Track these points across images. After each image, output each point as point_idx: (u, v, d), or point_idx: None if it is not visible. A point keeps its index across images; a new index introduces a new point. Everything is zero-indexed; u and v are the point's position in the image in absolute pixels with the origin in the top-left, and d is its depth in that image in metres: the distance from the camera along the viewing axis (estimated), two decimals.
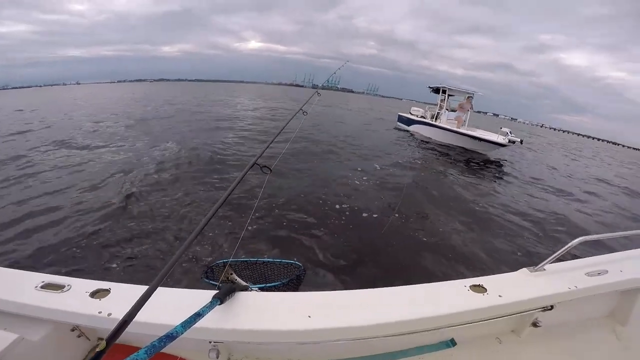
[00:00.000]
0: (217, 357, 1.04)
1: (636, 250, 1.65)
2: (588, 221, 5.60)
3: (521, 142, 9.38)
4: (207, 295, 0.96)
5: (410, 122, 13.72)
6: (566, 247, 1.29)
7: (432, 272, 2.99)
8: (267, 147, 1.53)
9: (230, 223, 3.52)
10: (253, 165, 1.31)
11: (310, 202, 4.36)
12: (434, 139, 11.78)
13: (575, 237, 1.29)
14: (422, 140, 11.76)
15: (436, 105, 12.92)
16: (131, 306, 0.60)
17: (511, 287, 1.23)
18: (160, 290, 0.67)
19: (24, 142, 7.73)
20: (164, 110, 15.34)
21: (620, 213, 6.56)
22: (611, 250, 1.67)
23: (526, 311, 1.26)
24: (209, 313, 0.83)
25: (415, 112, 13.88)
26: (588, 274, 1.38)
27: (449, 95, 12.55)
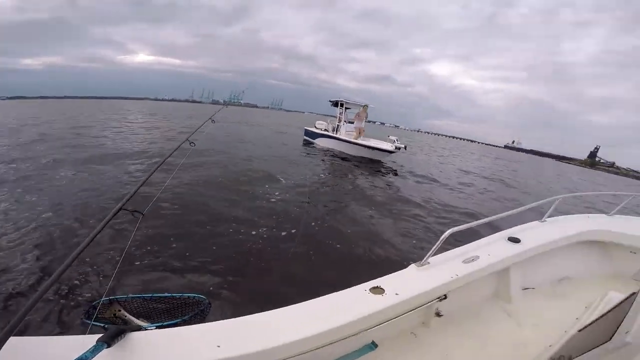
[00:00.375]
0: None
1: (494, 235, 1.91)
2: (467, 204, 7.13)
3: (405, 148, 10.83)
4: (91, 340, 0.82)
5: (314, 135, 14.33)
6: (440, 240, 1.43)
7: (337, 281, 2.99)
8: (137, 190, 1.33)
9: (101, 266, 2.88)
10: (120, 211, 1.15)
11: (208, 230, 3.94)
12: (336, 150, 12.59)
13: (450, 225, 1.46)
14: (325, 152, 12.39)
15: (336, 118, 13.84)
16: None
17: (406, 284, 1.32)
18: (26, 340, 0.60)
19: None
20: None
21: (488, 195, 9.03)
22: (479, 235, 1.90)
23: (426, 303, 1.35)
24: (94, 359, 0.73)
25: (320, 126, 14.50)
26: (464, 262, 1.54)
27: (346, 108, 13.58)
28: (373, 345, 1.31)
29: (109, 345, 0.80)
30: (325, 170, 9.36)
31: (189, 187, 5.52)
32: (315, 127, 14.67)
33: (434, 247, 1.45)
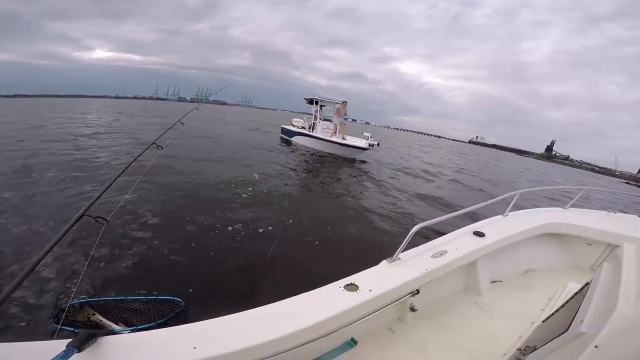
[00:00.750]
0: None
1: (460, 230, 1.97)
2: (439, 193, 7.67)
3: (378, 144, 10.96)
4: (59, 345, 0.78)
5: (291, 133, 14.13)
6: (408, 235, 1.46)
7: (318, 277, 3.01)
8: (99, 197, 1.27)
9: (67, 272, 2.67)
10: (82, 217, 1.10)
11: (183, 229, 3.81)
12: (312, 147, 12.44)
13: (419, 219, 1.54)
14: (302, 150, 12.26)
15: (312, 115, 13.68)
16: None
17: (378, 280, 1.34)
18: None
19: None
20: None
21: (459, 186, 9.78)
22: (446, 230, 1.96)
23: (399, 299, 1.37)
24: None
25: (297, 124, 14.34)
26: (433, 256, 1.57)
27: (321, 105, 13.31)
28: (353, 342, 1.32)
29: (79, 350, 0.77)
30: (300, 167, 9.32)
31: (160, 191, 5.24)
32: (292, 124, 14.50)
33: (403, 242, 1.47)
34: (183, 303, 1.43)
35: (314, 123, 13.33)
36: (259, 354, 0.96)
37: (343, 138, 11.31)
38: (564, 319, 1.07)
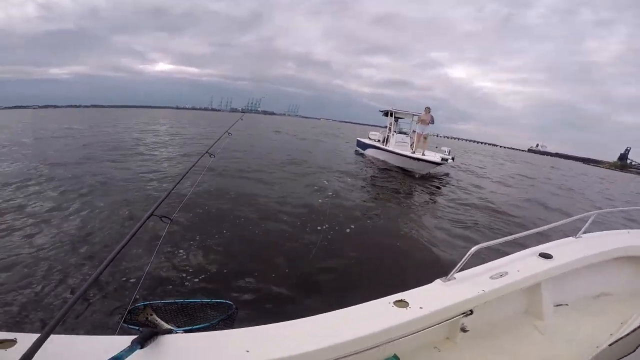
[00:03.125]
0: None
1: (525, 251, 1.88)
2: (508, 209, 7.21)
3: (453, 159, 10.13)
4: (125, 341, 0.88)
5: (365, 146, 14.04)
6: (466, 256, 1.42)
7: (367, 290, 3.00)
8: (166, 197, 1.41)
9: (131, 270, 3.03)
10: (150, 217, 1.22)
11: (238, 235, 4.06)
12: (384, 160, 11.83)
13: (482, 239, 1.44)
14: (374, 163, 11.83)
15: (386, 128, 13.16)
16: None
17: (431, 298, 1.31)
18: (66, 338, 0.65)
19: None
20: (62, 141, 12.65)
21: (532, 204, 8.55)
22: (508, 252, 1.87)
23: (451, 318, 1.34)
24: (128, 358, 0.77)
25: (373, 137, 14.09)
26: (492, 277, 1.52)
27: (397, 117, 12.68)
28: (394, 359, 1.30)
29: (142, 347, 0.84)
30: (366, 180, 9.17)
31: (216, 194, 5.70)
32: (369, 137, 14.26)
33: (460, 262, 1.44)
34: (234, 306, 1.50)
35: (387, 136, 12.70)
36: None
37: (422, 154, 10.13)
38: (633, 342, 1.00)
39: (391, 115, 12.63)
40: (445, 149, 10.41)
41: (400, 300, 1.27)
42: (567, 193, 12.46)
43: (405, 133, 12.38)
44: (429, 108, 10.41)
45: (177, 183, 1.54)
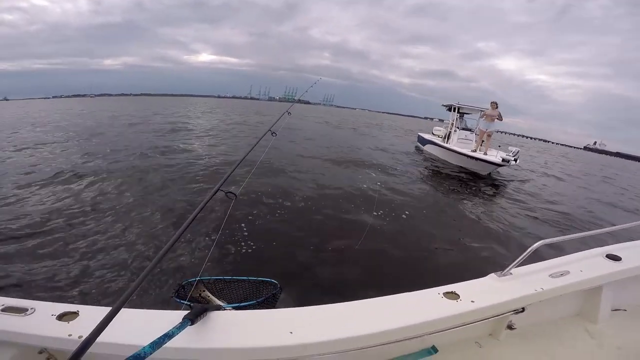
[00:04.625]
0: None
1: (591, 251, 1.75)
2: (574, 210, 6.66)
3: (516, 160, 8.97)
4: (177, 315, 0.92)
5: (424, 141, 13.38)
6: (528, 251, 1.34)
7: (412, 280, 2.99)
8: (232, 172, 1.43)
9: (196, 244, 3.26)
10: (217, 192, 1.24)
11: (289, 216, 4.25)
12: (441, 158, 11.12)
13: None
14: (433, 161, 11.14)
15: (449, 123, 12.21)
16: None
17: (482, 293, 1.28)
18: (127, 311, 0.68)
19: None
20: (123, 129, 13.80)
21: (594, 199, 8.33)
22: (569, 251, 1.76)
23: (499, 315, 1.30)
24: (180, 334, 0.81)
25: (437, 132, 13.20)
26: (551, 276, 1.44)
27: (462, 113, 11.71)
28: (433, 350, 1.30)
29: (192, 323, 0.87)
30: (423, 174, 8.95)
31: (275, 173, 6.10)
32: (432, 133, 13.46)
33: (520, 257, 1.37)
34: (279, 285, 1.56)
35: (449, 132, 11.71)
36: (349, 346, 0.99)
37: (485, 153, 9.37)
38: None
39: (455, 110, 11.62)
40: (513, 148, 9.36)
41: (451, 292, 1.24)
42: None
43: (469, 130, 11.29)
44: (495, 103, 9.47)
45: (242, 160, 1.55)
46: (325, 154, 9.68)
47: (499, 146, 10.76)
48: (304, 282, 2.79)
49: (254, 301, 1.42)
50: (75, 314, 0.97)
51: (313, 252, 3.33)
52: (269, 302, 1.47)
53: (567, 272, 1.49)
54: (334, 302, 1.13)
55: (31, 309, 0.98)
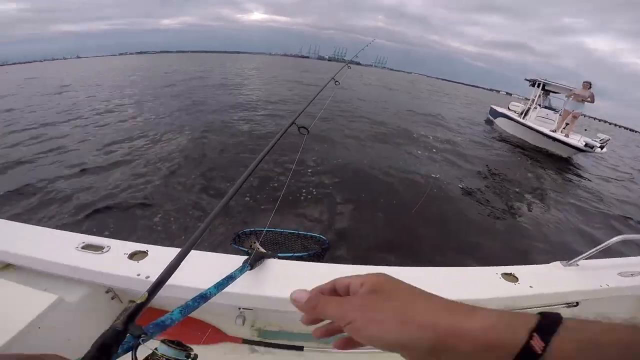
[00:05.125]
0: (243, 324, 1.06)
1: None
2: None
3: (601, 148, 7.87)
4: (237, 260, 0.98)
5: (496, 114, 12.55)
6: (604, 244, 1.24)
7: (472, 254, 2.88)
8: (306, 107, 1.44)
9: (261, 190, 3.59)
10: (291, 125, 1.24)
11: (349, 174, 4.44)
12: (514, 134, 10.42)
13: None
14: (504, 137, 10.38)
15: (530, 99, 11.08)
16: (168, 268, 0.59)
17: (541, 279, 1.21)
18: (194, 253, 0.65)
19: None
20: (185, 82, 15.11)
21: None
22: None
23: (551, 305, 1.24)
24: (239, 279, 0.83)
25: (514, 107, 12.19)
26: (620, 274, 1.34)
27: (547, 90, 10.57)
28: None
29: (251, 268, 0.93)
30: (493, 149, 8.32)
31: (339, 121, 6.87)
32: (508, 108, 12.21)
33: (593, 250, 1.26)
34: (327, 241, 1.60)
35: (528, 108, 10.77)
36: None
37: (566, 135, 8.41)
38: None
39: (539, 87, 10.41)
40: (602, 135, 8.26)
41: (510, 274, 1.19)
42: None
43: (552, 109, 10.18)
44: (588, 83, 8.27)
45: (314, 97, 1.61)
46: (394, 114, 10.23)
47: (585, 130, 9.35)
48: (354, 241, 2.88)
49: (304, 254, 1.49)
50: (144, 254, 1.01)
51: (371, 210, 3.45)
52: (317, 257, 1.53)
53: (639, 273, 1.37)
54: (385, 264, 1.14)
55: (107, 247, 1.02)
